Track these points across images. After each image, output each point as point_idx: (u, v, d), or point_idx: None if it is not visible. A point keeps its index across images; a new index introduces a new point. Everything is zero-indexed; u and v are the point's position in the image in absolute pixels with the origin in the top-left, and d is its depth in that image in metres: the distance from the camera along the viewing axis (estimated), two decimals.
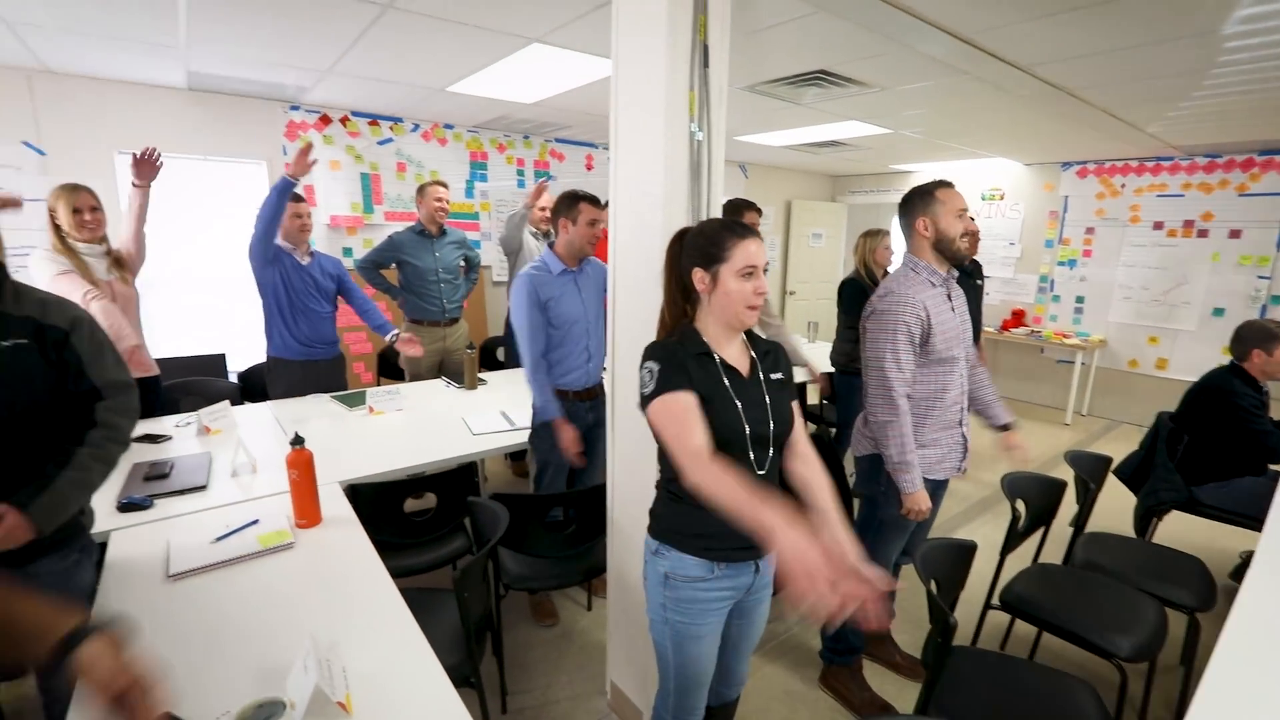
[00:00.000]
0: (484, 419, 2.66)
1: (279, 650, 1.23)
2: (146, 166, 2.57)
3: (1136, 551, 2.31)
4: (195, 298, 4.11)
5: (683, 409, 1.20)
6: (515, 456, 3.83)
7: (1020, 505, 2.11)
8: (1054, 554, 2.29)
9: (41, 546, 1.29)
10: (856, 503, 2.19)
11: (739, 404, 1.27)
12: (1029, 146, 5.10)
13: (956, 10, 2.21)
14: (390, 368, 4.10)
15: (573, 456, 2.34)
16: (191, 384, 3.05)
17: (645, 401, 1.24)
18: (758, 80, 3.21)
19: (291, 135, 4.06)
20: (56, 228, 2.40)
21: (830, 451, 2.57)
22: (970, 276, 3.66)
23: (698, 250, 1.29)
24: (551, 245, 2.39)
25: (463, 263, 3.70)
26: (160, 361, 2.84)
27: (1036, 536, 2.25)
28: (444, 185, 3.60)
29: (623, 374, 1.83)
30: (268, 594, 1.42)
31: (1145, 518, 2.86)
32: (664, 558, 1.33)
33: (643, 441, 1.75)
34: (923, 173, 6.79)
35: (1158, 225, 5.28)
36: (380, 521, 1.97)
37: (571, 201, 2.31)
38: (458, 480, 2.14)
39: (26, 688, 1.98)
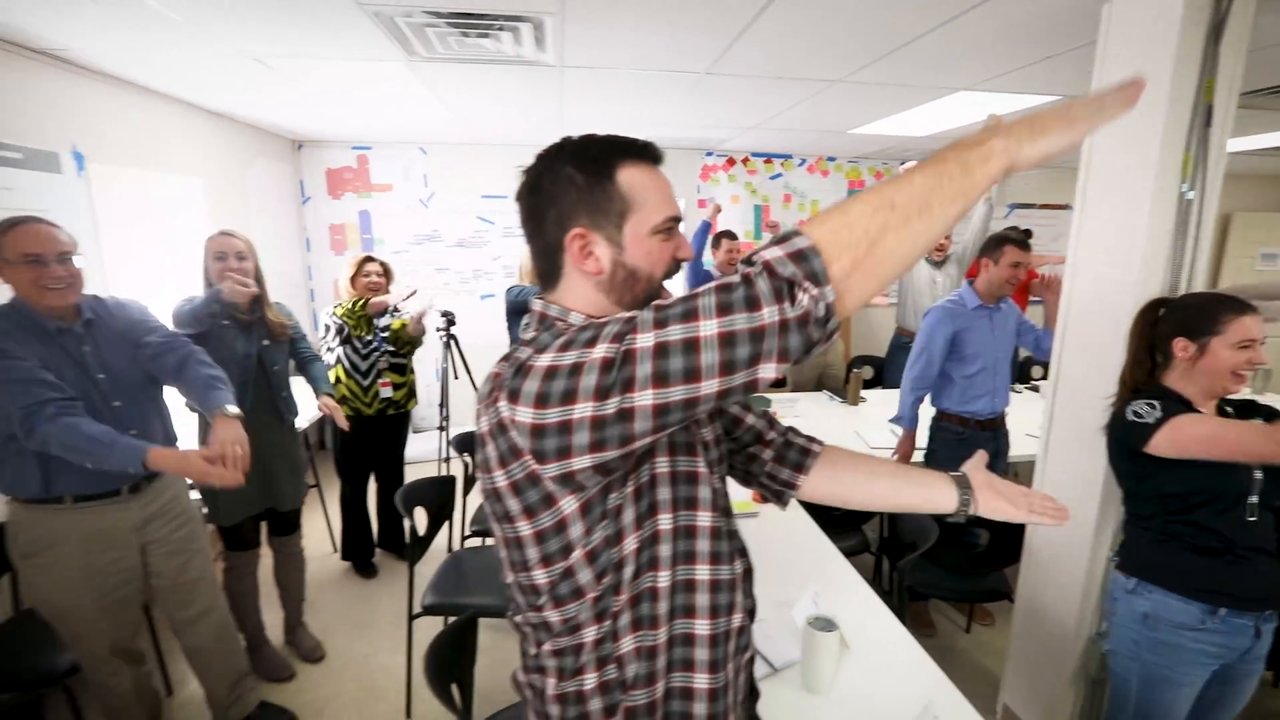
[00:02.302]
0: (878, 434, 2.95)
1: (777, 585, 1.70)
2: None
3: None
4: None
5: (1214, 421, 1.29)
6: None
7: None
8: None
9: None
10: None
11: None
12: None
13: None
14: None
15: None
16: None
17: (1149, 430, 1.33)
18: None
19: (705, 176, 4.93)
20: None
21: None
22: None
23: (1180, 322, 1.39)
24: (972, 282, 2.56)
25: None
26: None
27: None
28: None
29: (1060, 414, 1.93)
30: (758, 545, 1.94)
31: None
32: (1143, 597, 1.41)
33: (1080, 477, 1.83)
34: None
35: None
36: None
37: (998, 243, 2.43)
38: None
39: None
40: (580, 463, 0.65)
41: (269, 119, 3.82)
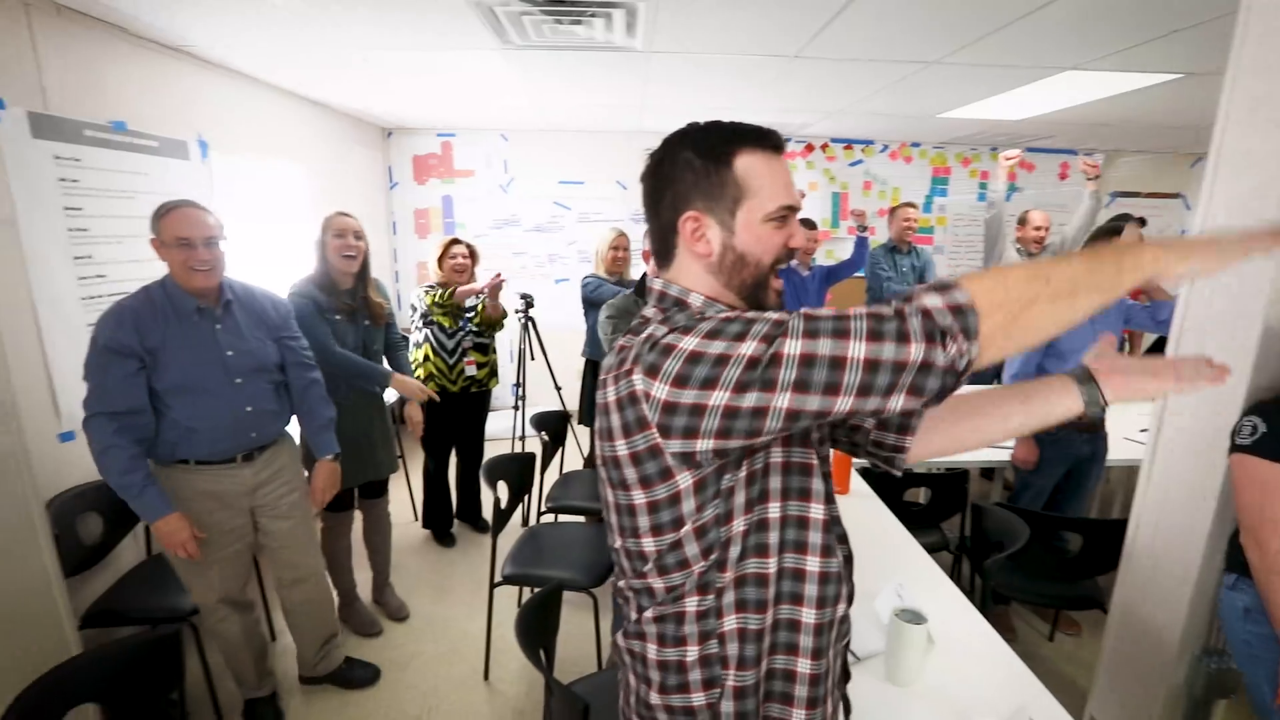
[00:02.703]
0: None
1: (858, 576, 1.67)
2: None
3: None
4: None
5: (1259, 482, 1.24)
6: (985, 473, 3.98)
7: None
8: None
9: None
10: None
11: None
12: None
13: None
14: None
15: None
16: None
17: (1236, 449, 1.30)
18: None
19: None
20: None
21: None
22: None
23: None
24: None
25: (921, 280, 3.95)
26: None
27: None
28: (914, 206, 3.89)
29: (1172, 418, 1.81)
30: None
31: None
32: (1242, 591, 1.36)
33: (1192, 485, 1.72)
34: None
35: None
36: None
37: (1110, 233, 2.29)
38: (949, 483, 2.41)
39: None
40: (703, 445, 0.69)
41: (364, 107, 4.01)
